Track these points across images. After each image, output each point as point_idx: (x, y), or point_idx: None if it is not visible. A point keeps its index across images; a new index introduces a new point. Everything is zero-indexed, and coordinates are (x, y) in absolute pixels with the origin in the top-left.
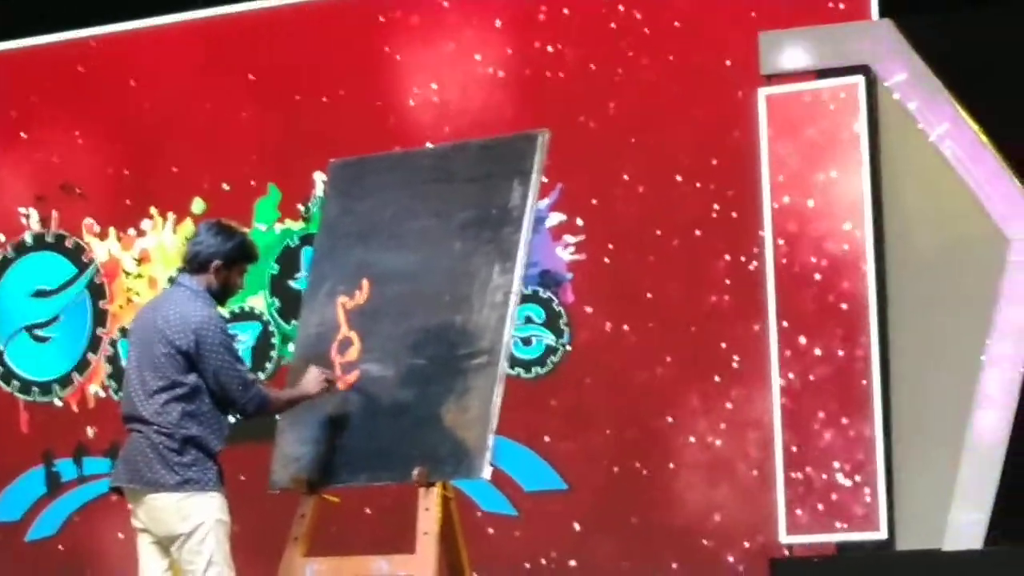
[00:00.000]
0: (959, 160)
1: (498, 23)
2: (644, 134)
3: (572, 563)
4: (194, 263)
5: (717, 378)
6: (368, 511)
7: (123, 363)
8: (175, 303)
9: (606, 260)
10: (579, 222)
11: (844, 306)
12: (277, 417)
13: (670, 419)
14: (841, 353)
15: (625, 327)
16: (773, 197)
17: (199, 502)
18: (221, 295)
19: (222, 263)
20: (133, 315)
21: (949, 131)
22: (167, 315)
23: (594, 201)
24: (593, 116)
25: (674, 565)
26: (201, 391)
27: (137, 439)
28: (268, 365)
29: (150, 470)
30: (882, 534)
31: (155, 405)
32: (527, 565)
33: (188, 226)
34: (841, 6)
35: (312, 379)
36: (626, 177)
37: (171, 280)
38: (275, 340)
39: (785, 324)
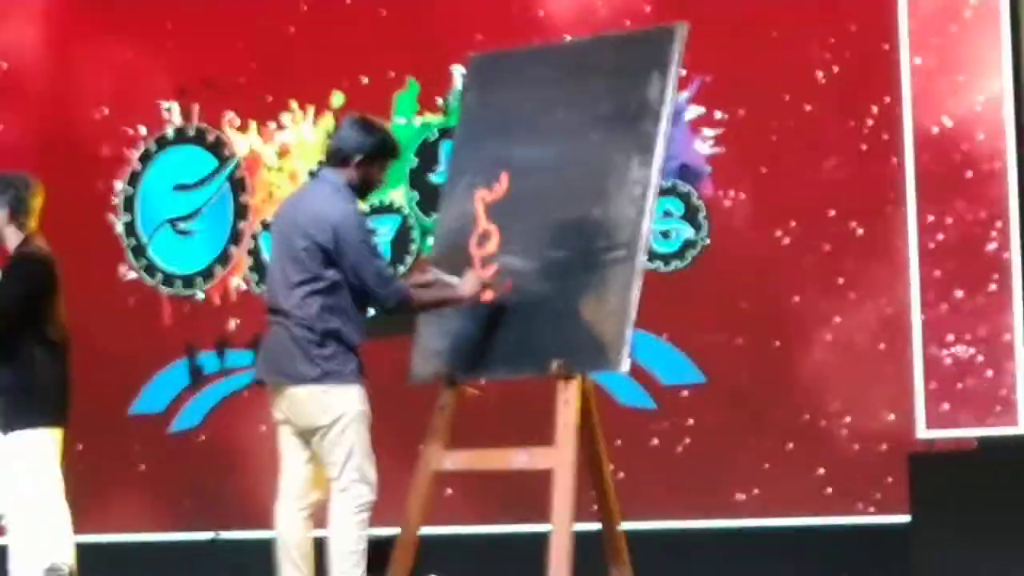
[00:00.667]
0: None
1: None
2: (783, 26)
3: (709, 455)
4: (336, 158)
5: (855, 276)
6: (508, 404)
7: (265, 256)
8: (316, 198)
9: (745, 154)
10: (718, 115)
11: (986, 192)
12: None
13: (811, 312)
14: (981, 243)
15: (764, 220)
16: (914, 95)
17: (340, 394)
18: (362, 190)
19: (364, 158)
20: (274, 209)
21: None
22: (307, 210)
23: (733, 96)
24: (732, 13)
25: (817, 452)
26: (341, 285)
27: (278, 331)
28: (408, 258)
29: (291, 363)
30: (1021, 429)
31: (295, 298)
32: (665, 459)
33: (328, 120)
34: None
35: (470, 283)
36: (763, 71)
37: (312, 174)
38: (414, 234)
39: (925, 226)
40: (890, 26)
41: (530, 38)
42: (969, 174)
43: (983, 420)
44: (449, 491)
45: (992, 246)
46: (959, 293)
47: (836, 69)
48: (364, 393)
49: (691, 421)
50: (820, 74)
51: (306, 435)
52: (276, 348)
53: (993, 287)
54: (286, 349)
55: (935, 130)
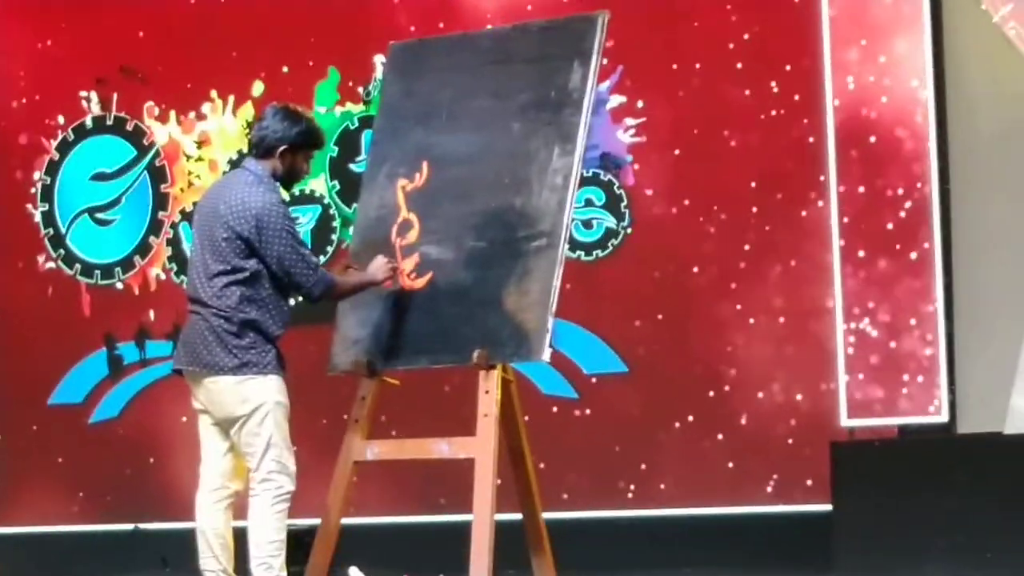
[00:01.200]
0: (1023, 41)
1: None
2: (704, 15)
3: (631, 444)
4: (260, 148)
5: (777, 262)
6: (428, 393)
7: (185, 247)
8: (238, 188)
9: (666, 143)
10: (640, 104)
11: (906, 189)
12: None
13: (732, 301)
14: (903, 237)
15: (685, 209)
16: (834, 75)
17: (257, 384)
18: (286, 180)
19: (288, 148)
20: (194, 198)
21: (1013, 11)
22: (229, 200)
23: (654, 83)
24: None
25: (737, 442)
26: (261, 276)
27: (197, 321)
28: (328, 248)
29: (209, 353)
30: (943, 418)
31: (214, 288)
32: (586, 448)
33: (248, 109)
34: None
35: (378, 266)
36: (683, 60)
37: (232, 163)
38: (335, 223)
39: (847, 209)
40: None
41: (452, 27)
42: (894, 164)
43: (904, 409)
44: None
45: (919, 248)
46: (881, 285)
47: (754, 54)
48: (283, 384)
49: (613, 410)
50: (740, 65)
51: (224, 425)
52: (195, 338)
53: (916, 277)
54: (204, 339)
55: (862, 109)
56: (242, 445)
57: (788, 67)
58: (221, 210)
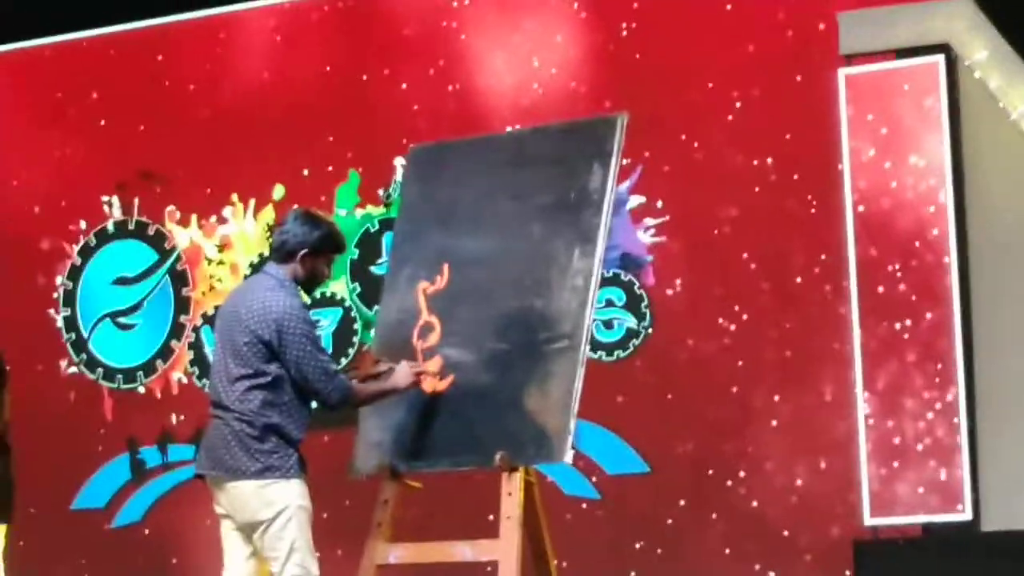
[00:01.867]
0: None
1: (575, 3)
2: (724, 116)
3: (653, 544)
4: (281, 252)
5: (798, 362)
6: (451, 497)
7: (206, 350)
8: (259, 292)
9: (686, 243)
10: (659, 204)
11: (927, 285)
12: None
13: (754, 401)
14: (924, 336)
15: (705, 309)
16: (853, 178)
17: (280, 489)
18: (307, 284)
19: (309, 252)
20: (216, 302)
21: None
22: (250, 304)
23: (674, 184)
24: (672, 99)
25: (761, 542)
26: (283, 380)
27: (219, 426)
28: (350, 351)
29: (231, 457)
30: (967, 515)
31: (236, 392)
32: (609, 548)
33: (269, 212)
34: None
35: (404, 374)
36: (703, 159)
37: (253, 267)
38: (356, 326)
39: (868, 309)
40: (830, 103)
41: (471, 130)
42: (914, 261)
43: (928, 506)
44: None
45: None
46: (903, 383)
47: (775, 157)
48: (305, 488)
49: (635, 510)
50: (760, 161)
51: (247, 530)
52: (216, 442)
53: (938, 376)
54: (226, 443)
55: (882, 208)
56: (265, 549)
57: (808, 165)
58: (242, 314)
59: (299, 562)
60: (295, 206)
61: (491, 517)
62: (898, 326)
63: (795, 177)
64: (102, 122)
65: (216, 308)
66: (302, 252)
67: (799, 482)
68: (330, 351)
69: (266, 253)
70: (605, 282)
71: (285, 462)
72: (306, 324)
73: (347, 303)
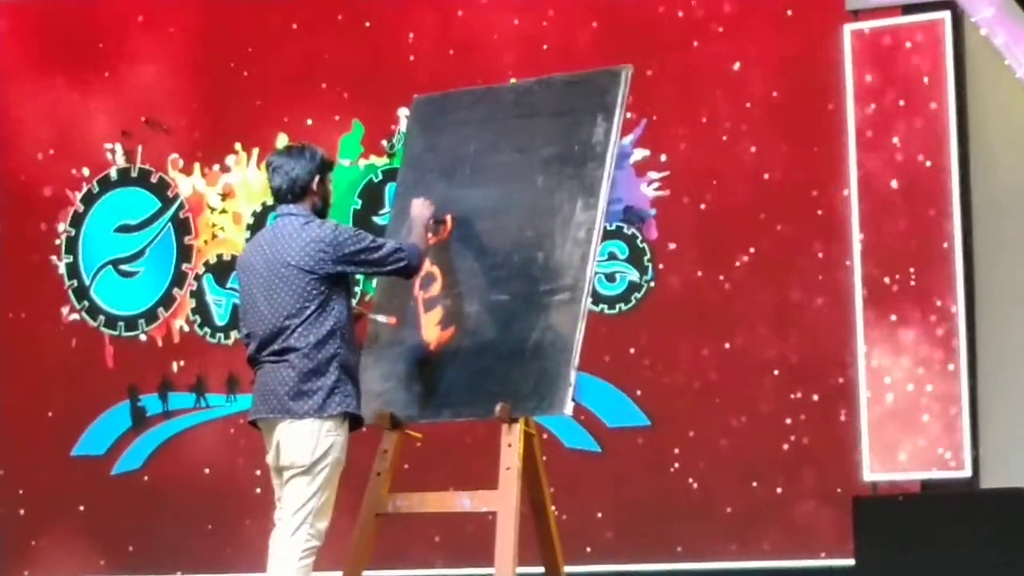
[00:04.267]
0: None
1: None
2: (728, 71)
3: (653, 498)
4: (294, 190)
5: (799, 316)
6: (453, 446)
7: (208, 298)
8: (294, 232)
9: (690, 197)
10: (663, 158)
11: (930, 245)
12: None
13: (755, 355)
14: (926, 293)
15: (708, 263)
16: (858, 135)
17: (330, 432)
18: (324, 209)
19: (320, 178)
20: (218, 250)
21: None
22: (290, 245)
23: (679, 138)
24: (678, 54)
25: (760, 496)
26: (342, 309)
27: (276, 368)
28: (357, 307)
29: (291, 397)
30: (966, 472)
31: (294, 332)
32: (610, 501)
33: None
34: None
35: (419, 210)
36: (705, 120)
37: (256, 216)
38: (359, 276)
39: (870, 264)
40: (835, 58)
41: (475, 80)
42: (918, 220)
43: (927, 463)
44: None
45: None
46: (904, 339)
47: (779, 112)
48: (346, 439)
49: (636, 464)
50: (764, 116)
51: (282, 472)
52: (275, 386)
53: (940, 331)
54: (284, 383)
55: (885, 166)
56: (287, 488)
57: (811, 123)
58: (287, 257)
59: (315, 511)
60: (275, 151)
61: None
62: (900, 283)
63: (800, 132)
64: (106, 73)
65: (219, 257)
66: (315, 180)
67: (799, 437)
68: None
69: (269, 202)
70: (608, 235)
71: (345, 398)
72: (351, 230)
73: None
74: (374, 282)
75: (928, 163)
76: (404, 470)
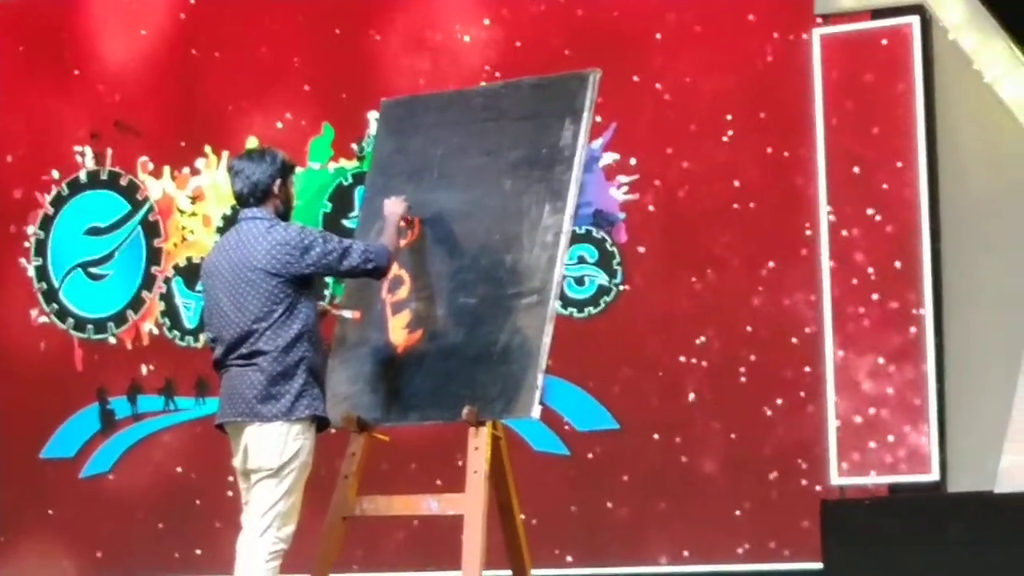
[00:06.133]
0: (1015, 102)
1: None
2: (698, 75)
3: (623, 501)
4: (256, 194)
5: (768, 320)
6: (418, 450)
7: (178, 301)
8: (259, 236)
9: (659, 201)
10: (632, 162)
11: (898, 247)
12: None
13: (723, 359)
14: (894, 296)
15: (677, 267)
16: (827, 139)
17: (297, 436)
18: (287, 212)
19: (282, 181)
20: (187, 253)
21: (1005, 72)
22: (256, 248)
23: (648, 142)
24: (646, 58)
25: (728, 499)
26: (309, 312)
27: (243, 372)
28: (321, 303)
29: (258, 399)
30: (933, 476)
31: (263, 335)
32: (578, 505)
33: None
34: None
35: (391, 208)
36: (674, 123)
37: (226, 219)
38: (328, 279)
39: (838, 267)
40: (804, 62)
41: (445, 83)
42: (886, 223)
43: (895, 467)
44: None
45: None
46: (872, 343)
47: (749, 115)
48: (314, 442)
49: (604, 467)
50: (734, 119)
51: (249, 475)
52: (242, 389)
53: (908, 335)
54: (252, 386)
55: (854, 169)
56: (257, 493)
57: (781, 125)
58: (254, 260)
59: (282, 515)
60: (237, 155)
61: (459, 465)
62: (869, 286)
63: (769, 136)
64: (76, 72)
65: (189, 260)
66: (276, 183)
67: (767, 441)
68: None
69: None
70: (577, 239)
71: (313, 401)
72: (317, 232)
73: None
74: (342, 284)
75: (898, 165)
76: (372, 473)
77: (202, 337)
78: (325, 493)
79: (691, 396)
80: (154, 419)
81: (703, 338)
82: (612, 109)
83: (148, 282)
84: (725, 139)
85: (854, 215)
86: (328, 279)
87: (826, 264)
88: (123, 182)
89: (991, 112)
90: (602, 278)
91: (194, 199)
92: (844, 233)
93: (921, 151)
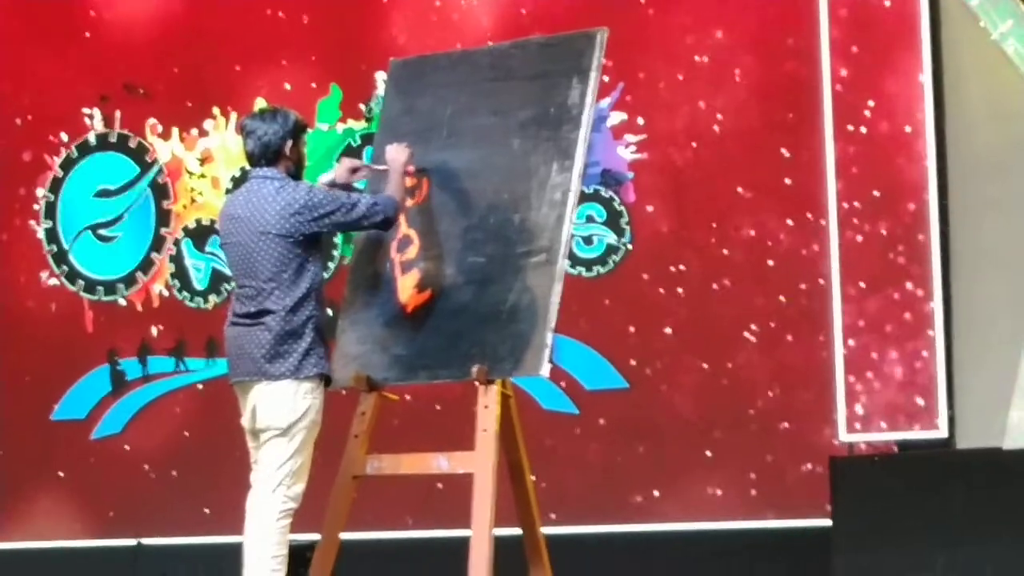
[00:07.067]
0: (1022, 58)
1: None
2: (706, 33)
3: (631, 459)
4: (268, 154)
5: (776, 278)
6: (429, 409)
7: (187, 263)
8: (269, 196)
9: (667, 160)
10: (640, 121)
11: (905, 205)
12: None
13: (729, 318)
14: (902, 253)
15: (686, 225)
16: (834, 95)
17: (306, 394)
18: (298, 172)
19: (293, 142)
20: (197, 215)
21: (1012, 28)
22: (267, 209)
23: (657, 102)
24: (655, 17)
25: (737, 457)
26: (313, 275)
27: (252, 331)
28: (331, 264)
29: (267, 359)
30: (942, 433)
31: (271, 295)
32: (588, 462)
33: None
34: None
35: (394, 155)
36: (684, 77)
37: (235, 180)
38: (336, 239)
39: (846, 225)
40: (811, 20)
41: (453, 43)
42: (894, 181)
43: (903, 424)
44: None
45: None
46: (880, 301)
47: (757, 73)
48: (322, 401)
49: (614, 426)
50: (742, 78)
51: (258, 434)
52: (251, 348)
53: (916, 293)
54: (261, 345)
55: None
56: (266, 452)
57: (788, 84)
58: (266, 219)
59: (292, 473)
60: (249, 115)
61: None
62: (876, 243)
63: (776, 93)
64: (86, 34)
65: (198, 221)
66: (288, 144)
67: (775, 399)
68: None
69: (247, 166)
70: (586, 198)
71: (320, 360)
72: (323, 191)
73: None
74: (351, 245)
75: (904, 124)
76: (382, 432)
77: (212, 298)
78: (335, 453)
79: (700, 354)
80: (164, 380)
81: (711, 297)
82: (619, 69)
83: (158, 244)
84: (733, 98)
85: (861, 174)
86: (337, 239)
87: (834, 222)
88: (132, 144)
89: (998, 69)
90: (610, 237)
91: (203, 161)
92: (851, 192)
93: (928, 109)
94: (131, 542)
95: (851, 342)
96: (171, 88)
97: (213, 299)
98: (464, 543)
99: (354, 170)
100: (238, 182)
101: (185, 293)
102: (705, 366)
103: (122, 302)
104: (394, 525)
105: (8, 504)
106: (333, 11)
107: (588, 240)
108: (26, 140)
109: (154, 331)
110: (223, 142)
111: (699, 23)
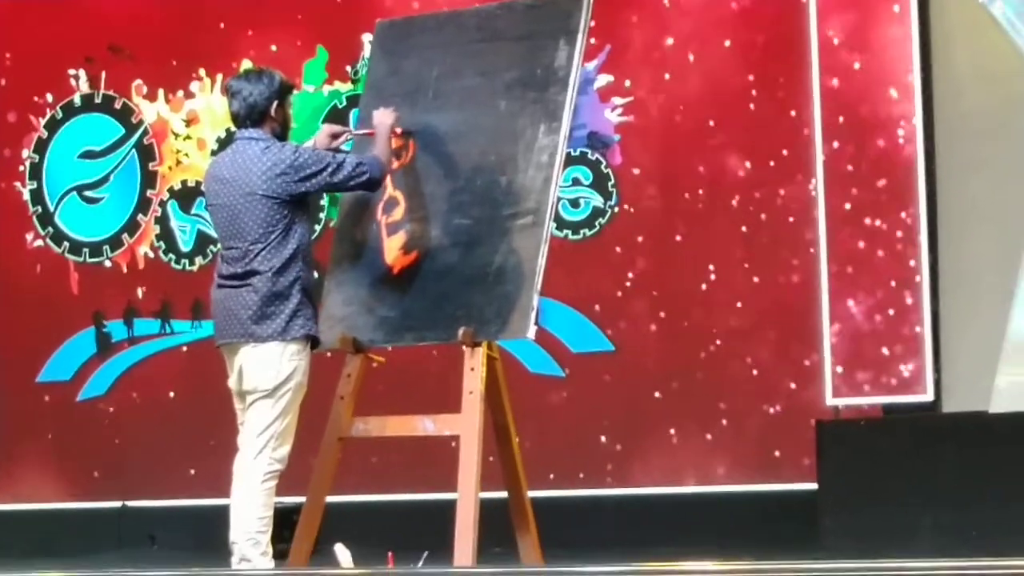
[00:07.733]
0: (1009, 21)
1: None
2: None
3: (617, 423)
4: (253, 115)
5: (762, 242)
6: (413, 371)
7: (173, 224)
8: (254, 156)
9: (653, 123)
10: (627, 84)
11: (892, 167)
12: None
13: (715, 282)
14: (888, 217)
15: (672, 188)
16: (821, 58)
17: (292, 355)
18: (283, 133)
19: (279, 103)
20: (182, 176)
21: None
22: (253, 169)
23: (643, 64)
24: None
25: (723, 421)
26: (304, 233)
27: (240, 292)
28: (316, 227)
29: (254, 320)
30: (928, 396)
31: (257, 256)
32: (573, 425)
33: None
34: None
35: (380, 119)
36: (671, 40)
37: (220, 142)
38: (323, 201)
39: (833, 188)
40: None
41: (439, 4)
42: (881, 143)
43: (890, 388)
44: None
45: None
46: (866, 264)
47: (744, 36)
48: (308, 363)
49: (599, 389)
50: (730, 41)
51: (245, 396)
52: (237, 309)
53: (903, 255)
54: (247, 307)
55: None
56: (250, 412)
57: (775, 47)
58: (252, 180)
59: (278, 435)
60: (234, 76)
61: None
62: (864, 206)
63: (763, 57)
64: None
65: (184, 183)
66: (274, 105)
67: (762, 361)
68: None
69: (233, 128)
70: (572, 161)
71: (307, 322)
72: (310, 152)
73: None
74: (337, 207)
75: (891, 87)
76: (368, 395)
77: (198, 260)
78: (321, 415)
79: (686, 317)
80: (150, 342)
81: (697, 260)
82: (606, 31)
83: (143, 205)
84: (720, 61)
85: (849, 135)
86: (323, 200)
87: (821, 185)
88: (117, 105)
89: (985, 32)
90: (597, 200)
91: (188, 122)
92: (839, 154)
93: (916, 70)
94: (116, 504)
95: (838, 306)
96: (157, 49)
97: (199, 261)
98: (450, 506)
99: (335, 136)
100: (224, 143)
101: (171, 255)
102: (692, 330)
103: (108, 264)
104: (380, 488)
105: None
106: None
107: (575, 203)
108: (11, 101)
109: (139, 293)
110: (209, 104)
111: None
